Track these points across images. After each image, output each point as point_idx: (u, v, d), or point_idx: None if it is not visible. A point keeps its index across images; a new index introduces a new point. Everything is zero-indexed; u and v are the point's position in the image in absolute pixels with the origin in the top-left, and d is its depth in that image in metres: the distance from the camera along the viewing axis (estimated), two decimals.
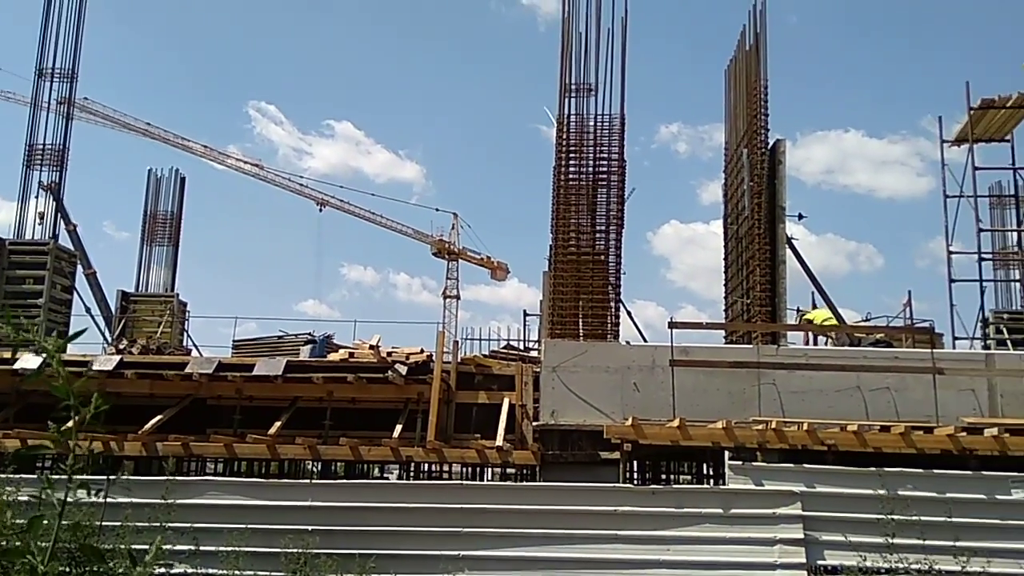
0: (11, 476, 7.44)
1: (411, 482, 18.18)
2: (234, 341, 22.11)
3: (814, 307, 19.89)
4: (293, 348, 19.72)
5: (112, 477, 5.17)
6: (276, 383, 14.22)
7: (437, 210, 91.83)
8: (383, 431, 13.64)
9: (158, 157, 76.34)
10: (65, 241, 26.60)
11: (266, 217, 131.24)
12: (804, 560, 9.93)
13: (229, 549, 9.09)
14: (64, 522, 2.62)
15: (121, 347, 17.79)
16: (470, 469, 21.80)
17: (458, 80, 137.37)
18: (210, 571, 9.28)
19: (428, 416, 13.64)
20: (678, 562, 9.93)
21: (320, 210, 69.79)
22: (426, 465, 21.64)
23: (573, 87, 19.84)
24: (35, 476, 9.69)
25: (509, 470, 19.23)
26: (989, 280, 23.90)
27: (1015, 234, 26.33)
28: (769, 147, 19.47)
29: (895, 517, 9.09)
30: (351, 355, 15.16)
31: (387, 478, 24.92)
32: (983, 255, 21.91)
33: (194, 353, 20.26)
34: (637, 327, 22.14)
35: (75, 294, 26.11)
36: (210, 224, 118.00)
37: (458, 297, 70.70)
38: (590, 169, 19.68)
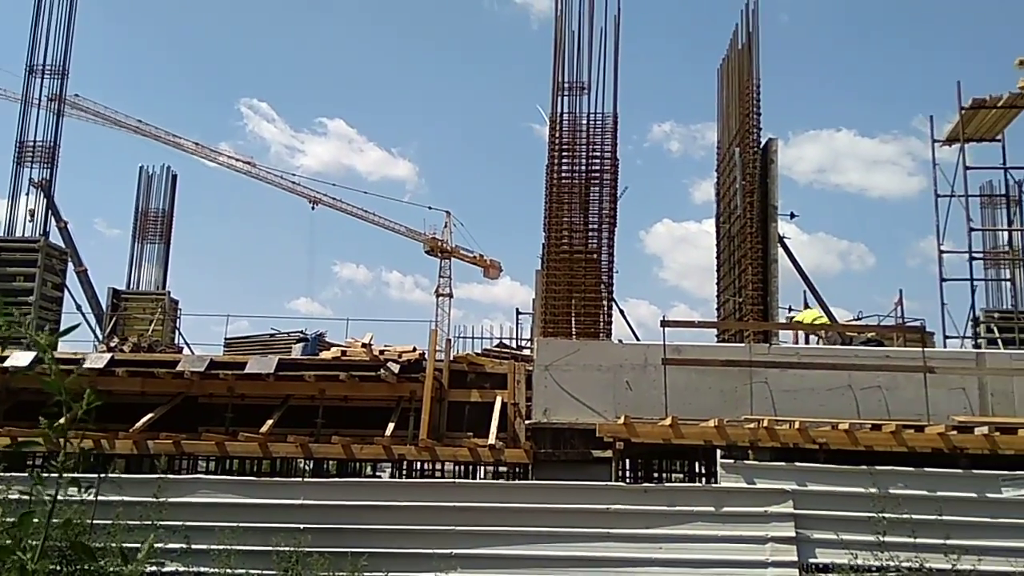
0: (1, 474, 7.40)
1: (403, 480, 18.14)
2: (226, 339, 22.12)
3: (806, 307, 19.95)
4: (285, 346, 19.71)
5: (103, 475, 5.15)
6: (268, 381, 14.19)
7: (430, 208, 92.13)
8: (375, 429, 13.62)
9: (150, 154, 76.49)
10: (56, 238, 26.54)
11: (258, 215, 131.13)
12: (796, 558, 9.95)
13: (221, 547, 9.06)
14: (55, 520, 2.60)
15: (112, 345, 17.75)
16: (462, 467, 21.79)
17: (451, 78, 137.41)
18: (202, 569, 9.24)
19: (420, 414, 13.64)
20: (670, 560, 9.94)
21: (312, 208, 69.71)
22: (418, 463, 21.57)
23: (566, 85, 19.85)
24: (26, 475, 9.65)
25: (501, 468, 19.23)
26: (980, 279, 24.00)
27: (1006, 233, 26.48)
28: (761, 146, 19.53)
29: (886, 515, 9.11)
30: (343, 353, 15.13)
31: (379, 476, 24.90)
32: (974, 254, 21.99)
33: (185, 351, 20.24)
34: (629, 325, 22.22)
35: (66, 292, 26.04)
36: (202, 222, 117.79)
37: (451, 295, 70.75)
38: (583, 167, 19.69)
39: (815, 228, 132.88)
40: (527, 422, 13.69)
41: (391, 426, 13.52)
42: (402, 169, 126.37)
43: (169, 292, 30.95)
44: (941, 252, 21.88)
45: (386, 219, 70.74)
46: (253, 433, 13.32)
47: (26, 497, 2.83)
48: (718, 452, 11.34)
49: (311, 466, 19.03)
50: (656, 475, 19.49)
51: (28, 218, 26.13)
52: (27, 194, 26.30)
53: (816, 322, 18.11)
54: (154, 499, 8.48)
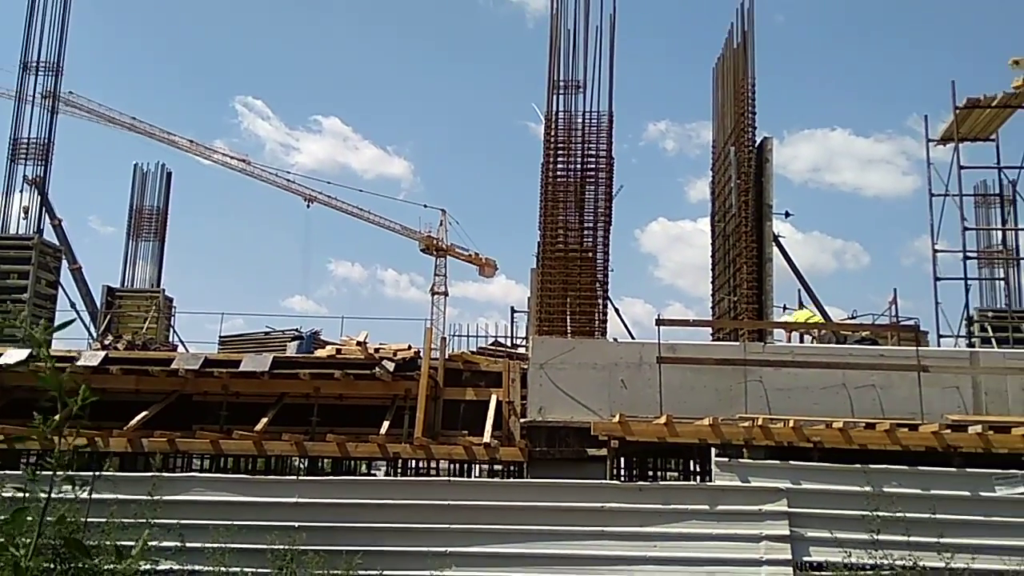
0: None
1: (398, 479, 18.16)
2: (220, 337, 22.03)
3: (800, 307, 20.00)
4: (280, 344, 19.65)
5: (97, 473, 5.15)
6: (263, 379, 14.18)
7: (425, 206, 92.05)
8: (370, 427, 13.62)
9: (144, 152, 76.26)
10: (50, 236, 26.48)
11: (253, 213, 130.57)
12: (790, 556, 9.98)
13: (215, 545, 9.06)
14: (48, 518, 2.60)
15: (106, 343, 17.72)
16: (457, 466, 21.82)
17: (447, 76, 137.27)
18: (196, 568, 9.25)
19: (416, 412, 13.63)
20: (665, 558, 9.96)
21: (308, 206, 69.52)
22: (413, 462, 21.63)
23: (561, 84, 19.86)
24: (20, 472, 9.64)
25: (497, 467, 19.22)
26: (974, 278, 24.14)
27: (1000, 233, 26.56)
28: (756, 145, 19.56)
29: (880, 514, 9.14)
30: (338, 351, 15.13)
31: (374, 475, 24.88)
32: (968, 253, 22.11)
33: (180, 349, 20.19)
34: (624, 324, 22.24)
35: (60, 289, 25.98)
36: (197, 219, 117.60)
37: (446, 293, 70.67)
38: (578, 166, 19.71)
39: (810, 227, 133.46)
40: (522, 420, 13.69)
41: (386, 424, 13.51)
42: (397, 167, 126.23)
43: (163, 290, 30.84)
44: (935, 251, 22.00)
45: (381, 217, 70.68)
46: (248, 431, 13.30)
47: (21, 490, 2.82)
48: (713, 451, 11.36)
49: (306, 464, 18.99)
50: (651, 473, 19.51)
51: (22, 215, 26.08)
52: (21, 192, 26.28)
53: (810, 321, 18.16)
54: (148, 497, 8.46)
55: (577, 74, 19.93)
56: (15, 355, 13.66)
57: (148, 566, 7.70)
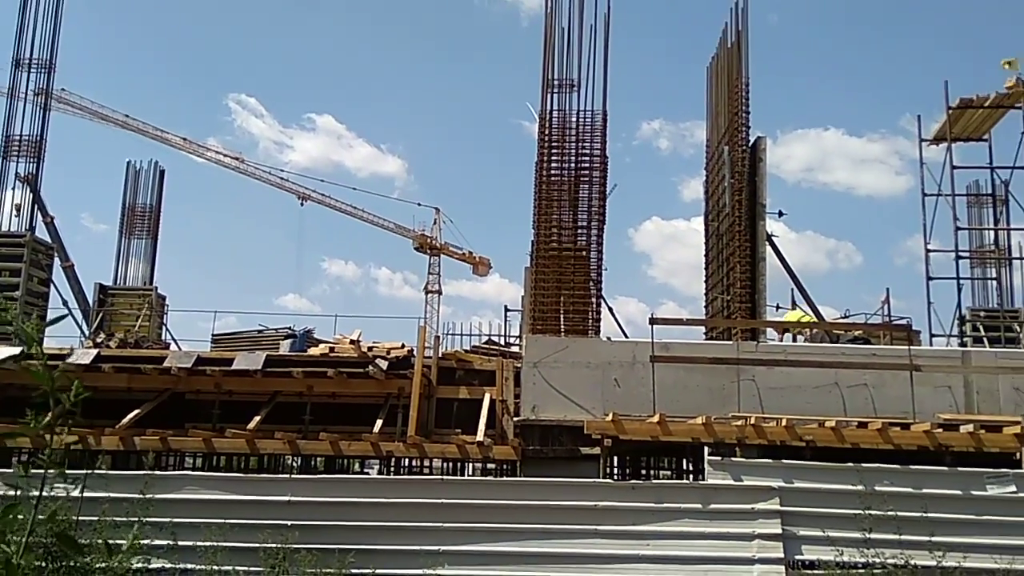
0: None
1: (391, 477, 18.12)
2: (213, 335, 21.95)
3: (793, 307, 20.05)
4: (273, 343, 19.59)
5: (89, 471, 5.13)
6: (255, 377, 14.16)
7: (419, 205, 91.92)
8: (363, 426, 13.61)
9: (137, 150, 75.85)
10: (42, 233, 26.36)
11: (246, 211, 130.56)
12: (782, 555, 10.00)
13: (208, 544, 9.04)
14: (39, 516, 2.59)
15: (99, 341, 17.67)
16: (451, 464, 21.79)
17: (441, 75, 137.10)
18: (188, 566, 9.22)
19: (409, 411, 13.63)
20: (658, 557, 9.96)
21: (302, 204, 69.37)
22: (407, 460, 21.55)
23: (556, 83, 19.87)
24: (11, 471, 9.60)
25: (490, 465, 19.22)
26: (966, 278, 24.17)
27: (992, 233, 26.64)
28: (750, 144, 19.59)
29: (872, 512, 9.17)
30: (331, 350, 15.11)
31: (367, 473, 24.84)
32: (960, 253, 22.16)
33: (172, 347, 20.12)
34: (618, 323, 22.23)
35: (52, 287, 25.91)
36: (190, 217, 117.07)
37: (440, 292, 70.62)
38: (572, 165, 19.73)
39: (803, 226, 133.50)
40: (515, 419, 13.70)
41: (379, 423, 13.51)
42: (391, 165, 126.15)
43: (156, 288, 30.77)
44: (928, 251, 22.04)
45: (375, 215, 70.57)
46: (240, 429, 13.28)
47: (12, 486, 2.81)
48: (706, 449, 11.37)
49: (299, 463, 18.99)
50: (644, 472, 19.54)
51: (14, 213, 25.98)
52: (13, 189, 26.17)
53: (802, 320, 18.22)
54: (140, 495, 8.44)
55: (571, 73, 19.97)
56: (5, 352, 13.60)
57: (140, 564, 7.67)
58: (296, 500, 10.38)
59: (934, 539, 9.27)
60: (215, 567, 8.85)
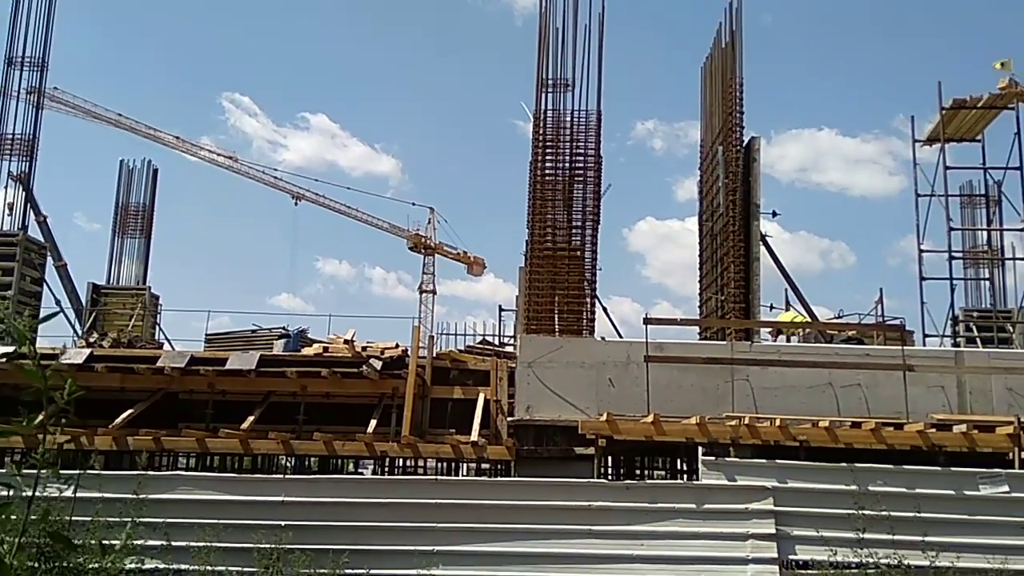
0: None
1: (385, 477, 18.12)
2: (206, 335, 21.93)
3: (787, 307, 20.09)
4: (267, 342, 19.56)
5: (82, 471, 5.11)
6: (249, 377, 14.13)
7: (413, 204, 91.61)
8: (357, 426, 13.58)
9: (130, 149, 75.55)
10: (35, 232, 26.29)
11: (240, 210, 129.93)
12: (776, 555, 10.01)
13: (201, 544, 9.02)
14: (32, 517, 2.58)
15: (92, 340, 17.62)
16: (445, 464, 21.82)
17: (435, 74, 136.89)
18: (182, 567, 9.20)
19: (403, 411, 13.61)
20: (652, 557, 9.97)
21: (296, 203, 69.20)
22: (401, 460, 21.57)
23: (550, 82, 19.88)
24: (4, 471, 9.55)
25: (484, 465, 19.22)
26: (959, 278, 24.33)
27: (985, 233, 26.72)
28: (744, 145, 19.62)
29: (866, 512, 9.19)
30: (325, 349, 15.08)
31: (361, 473, 24.85)
32: (953, 254, 22.26)
33: (166, 347, 20.08)
34: (612, 323, 22.26)
35: (45, 286, 25.81)
36: (183, 216, 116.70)
37: (434, 292, 70.47)
38: (566, 164, 19.74)
39: (797, 227, 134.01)
40: (510, 419, 13.69)
41: (373, 423, 13.48)
42: (385, 165, 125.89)
43: (149, 287, 30.68)
44: (921, 251, 22.13)
45: (369, 215, 70.39)
46: (234, 429, 13.25)
47: (4, 492, 2.79)
48: (700, 449, 11.39)
49: (293, 463, 18.98)
50: (638, 472, 19.56)
51: (7, 212, 25.87)
52: (6, 188, 26.07)
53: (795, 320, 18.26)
54: (134, 495, 8.41)
55: (565, 72, 19.98)
56: None
57: (134, 565, 7.65)
58: (290, 500, 10.37)
59: (927, 539, 9.29)
60: (209, 567, 8.83)
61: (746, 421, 11.92)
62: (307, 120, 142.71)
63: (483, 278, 75.21)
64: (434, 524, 10.14)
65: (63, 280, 27.26)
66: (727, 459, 11.08)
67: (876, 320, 20.81)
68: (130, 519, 7.75)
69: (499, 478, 16.39)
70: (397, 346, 14.82)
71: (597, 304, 19.86)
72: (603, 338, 16.99)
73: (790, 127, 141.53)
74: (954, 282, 22.00)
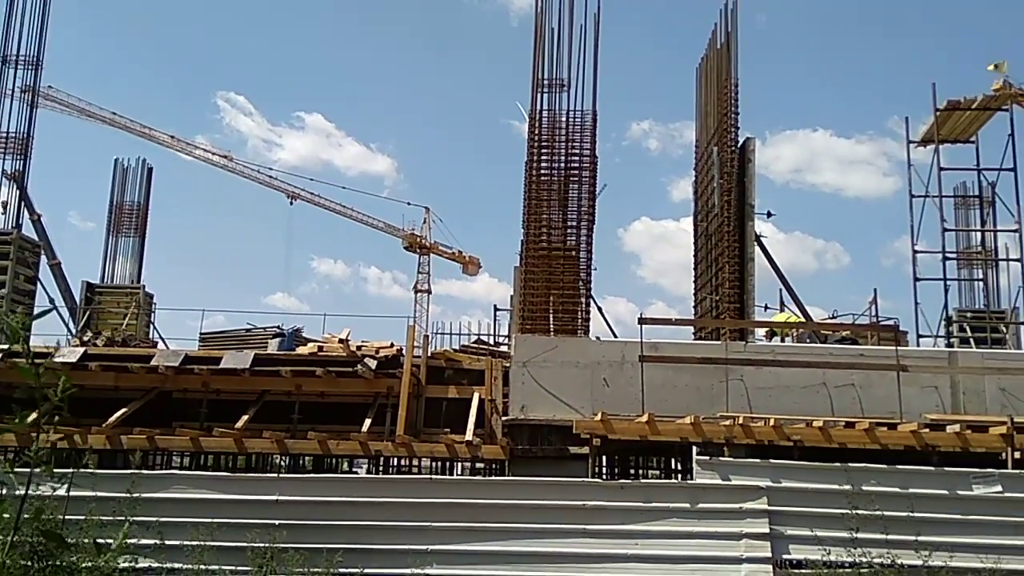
0: None
1: (380, 477, 18.10)
2: (201, 334, 21.87)
3: (782, 308, 20.14)
4: (261, 341, 19.54)
5: (76, 470, 5.09)
6: (244, 376, 14.11)
7: (409, 204, 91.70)
8: (352, 425, 13.57)
9: (125, 147, 75.30)
10: (29, 231, 26.24)
11: (235, 209, 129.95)
12: (770, 554, 10.03)
13: (195, 543, 9.00)
14: (25, 515, 2.57)
15: (86, 339, 17.57)
16: (439, 464, 21.78)
17: (431, 74, 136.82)
18: (175, 565, 9.17)
19: (398, 410, 13.61)
20: (646, 556, 9.98)
21: (291, 203, 69.12)
22: (395, 460, 21.55)
23: (545, 82, 19.90)
24: None
25: (478, 465, 19.22)
26: (953, 279, 24.38)
27: (979, 234, 26.81)
28: (739, 145, 19.64)
29: (859, 512, 9.21)
30: (320, 349, 15.07)
31: (356, 472, 24.80)
32: (947, 254, 22.35)
33: (160, 346, 20.03)
34: (607, 323, 22.29)
35: (39, 285, 25.76)
36: (178, 215, 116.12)
37: (429, 291, 70.49)
38: (562, 164, 19.75)
39: (791, 227, 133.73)
40: (504, 418, 13.70)
41: (368, 422, 13.48)
42: (381, 164, 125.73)
43: (144, 286, 30.66)
44: (915, 252, 22.21)
45: (365, 214, 70.37)
46: (228, 429, 13.23)
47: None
48: (694, 449, 11.40)
49: (287, 462, 18.97)
50: (632, 471, 19.58)
51: (1, 210, 25.83)
52: (0, 186, 26.02)
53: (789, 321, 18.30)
54: (128, 494, 8.40)
55: (561, 73, 20.00)
56: None
57: (127, 564, 7.63)
58: (284, 499, 10.36)
59: (921, 539, 9.31)
60: (202, 566, 8.81)
61: (740, 421, 11.94)
62: (302, 119, 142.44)
63: (478, 278, 75.29)
64: (428, 523, 10.14)
65: (57, 279, 27.21)
66: (721, 459, 11.10)
67: (870, 320, 20.86)
68: (124, 518, 7.75)
69: (493, 477, 16.40)
70: (392, 345, 14.81)
71: (592, 304, 19.90)
72: (598, 338, 17.01)
73: (785, 128, 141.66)
74: (948, 283, 22.10)
